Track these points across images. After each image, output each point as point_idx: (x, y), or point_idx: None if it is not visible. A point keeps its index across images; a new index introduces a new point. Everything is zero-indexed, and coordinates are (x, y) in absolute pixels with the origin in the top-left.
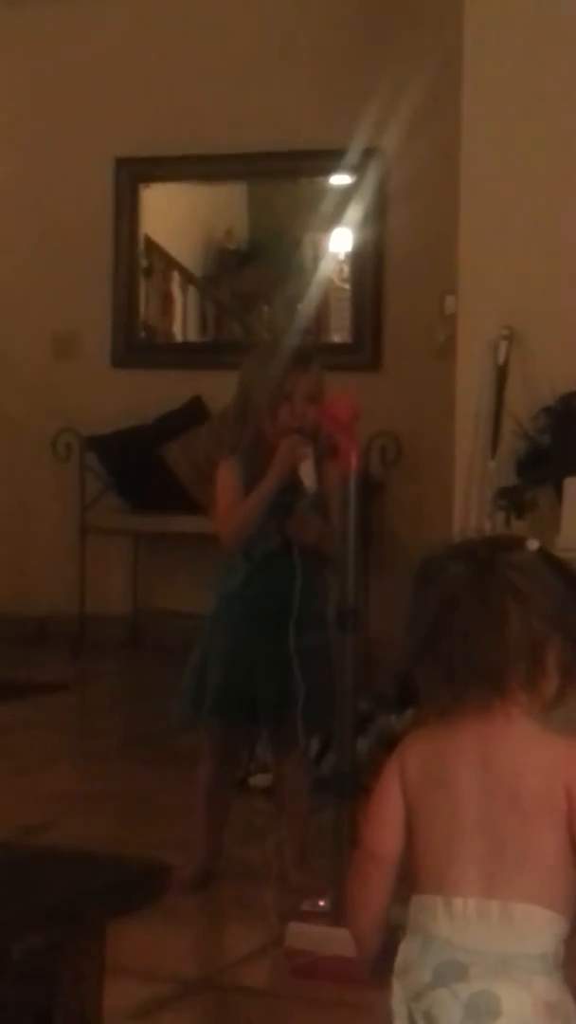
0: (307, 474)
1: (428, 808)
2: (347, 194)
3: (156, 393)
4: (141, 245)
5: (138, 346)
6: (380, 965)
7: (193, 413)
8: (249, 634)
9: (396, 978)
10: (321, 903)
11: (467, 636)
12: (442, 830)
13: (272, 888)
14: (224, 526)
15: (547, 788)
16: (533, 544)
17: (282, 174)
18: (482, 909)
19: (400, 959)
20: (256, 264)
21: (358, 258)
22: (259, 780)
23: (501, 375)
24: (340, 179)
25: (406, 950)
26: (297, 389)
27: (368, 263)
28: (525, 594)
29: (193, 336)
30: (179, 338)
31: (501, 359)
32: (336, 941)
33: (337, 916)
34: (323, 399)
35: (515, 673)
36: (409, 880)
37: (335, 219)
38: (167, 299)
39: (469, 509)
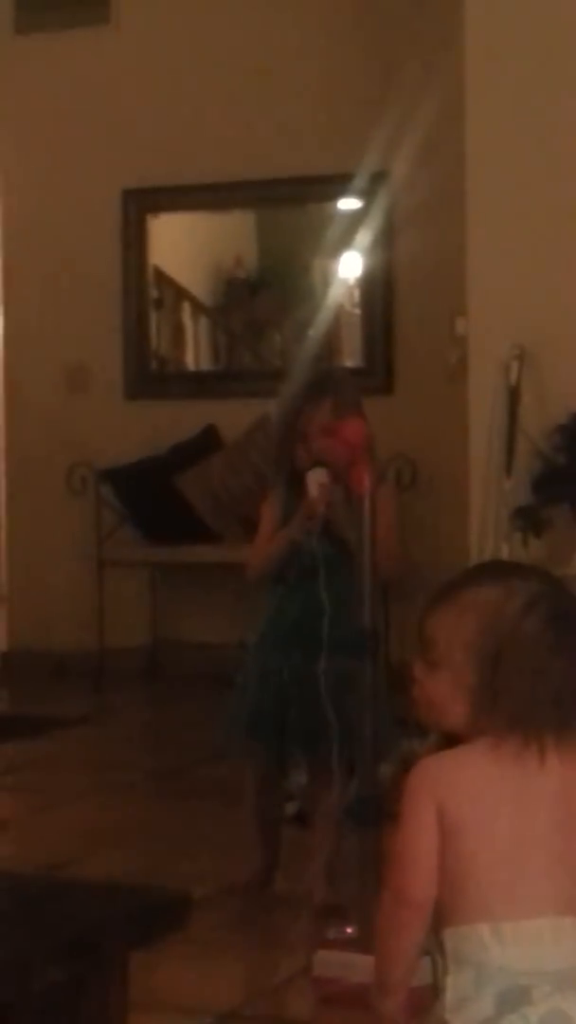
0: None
1: (476, 838)
2: (356, 219)
3: (169, 423)
4: (151, 276)
5: (150, 377)
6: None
7: (207, 442)
8: (284, 658)
9: (451, 1014)
10: (348, 930)
11: (570, 676)
12: (492, 858)
13: (306, 916)
14: (251, 559)
15: None
16: None
17: (290, 200)
18: (533, 929)
19: (451, 995)
20: (266, 291)
21: (368, 282)
22: (287, 807)
23: (514, 395)
24: (348, 204)
25: (456, 985)
26: (311, 424)
27: (378, 287)
28: None
29: (205, 365)
30: (191, 368)
31: (513, 379)
32: (364, 969)
33: (364, 943)
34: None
35: None
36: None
37: (344, 244)
38: (178, 329)
39: (486, 530)
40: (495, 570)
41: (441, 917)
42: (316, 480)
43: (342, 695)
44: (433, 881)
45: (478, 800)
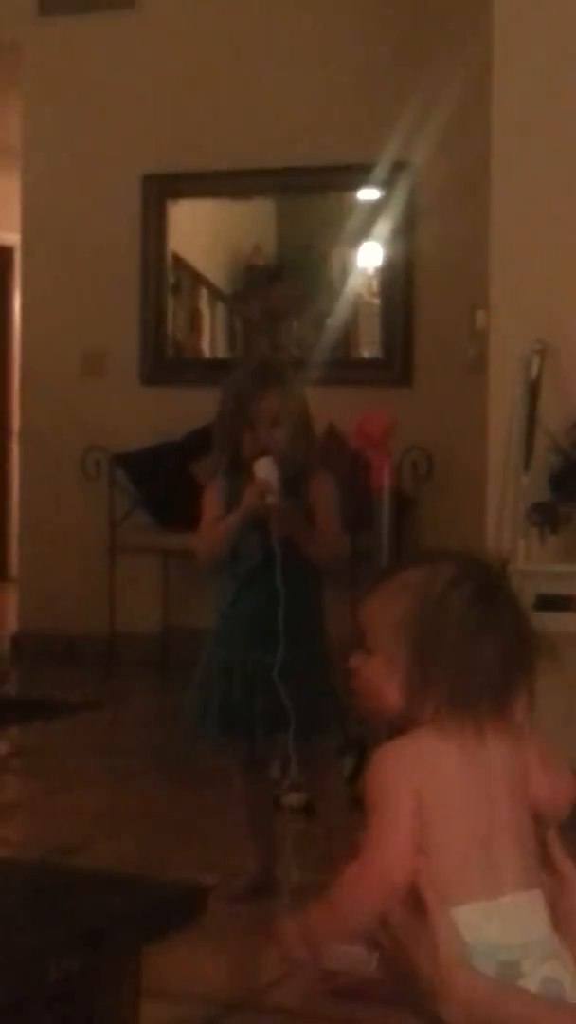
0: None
1: (454, 821)
2: (376, 209)
3: (184, 410)
4: (169, 262)
5: (166, 363)
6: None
7: None
8: (246, 650)
9: None
10: None
11: (508, 644)
12: (471, 840)
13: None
14: (198, 545)
15: (525, 780)
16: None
17: (310, 189)
18: (511, 905)
19: None
20: (284, 280)
21: (388, 273)
22: (292, 799)
23: (533, 390)
24: (369, 194)
25: None
26: (259, 413)
27: (398, 278)
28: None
29: (221, 353)
30: (207, 355)
31: (533, 374)
32: (372, 961)
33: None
34: (299, 418)
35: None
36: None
37: (364, 234)
38: (195, 316)
39: (502, 525)
40: (421, 554)
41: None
42: (263, 470)
43: (307, 682)
44: (411, 864)
45: (449, 784)
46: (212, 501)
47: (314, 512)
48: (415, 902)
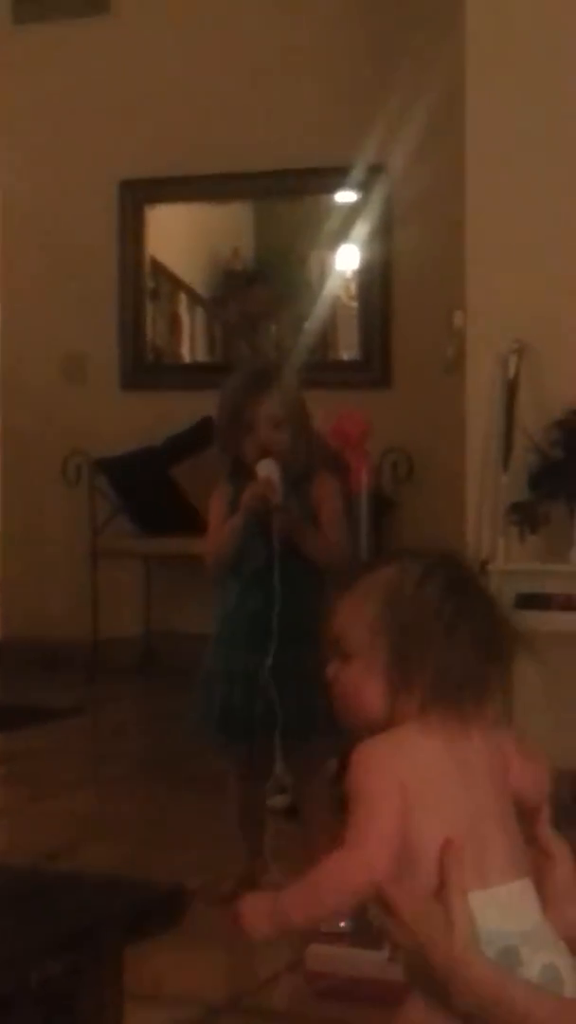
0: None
1: (441, 815)
2: (353, 211)
3: (165, 415)
4: (147, 267)
5: (146, 368)
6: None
7: (203, 434)
8: (248, 651)
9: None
10: (342, 924)
11: (484, 634)
12: (459, 834)
13: None
14: (206, 550)
15: (505, 770)
16: None
17: (287, 192)
18: (504, 895)
19: None
20: (263, 283)
21: (365, 275)
22: (277, 801)
23: (511, 389)
24: (346, 196)
25: None
26: (258, 416)
27: (375, 280)
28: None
29: (201, 357)
30: (187, 359)
31: (511, 373)
32: (358, 962)
33: (359, 937)
34: (299, 420)
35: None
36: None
37: (341, 237)
38: (174, 320)
39: (482, 524)
40: (387, 554)
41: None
42: (265, 469)
43: (306, 685)
44: (393, 859)
45: (435, 777)
46: (218, 506)
47: (318, 513)
48: (431, 887)
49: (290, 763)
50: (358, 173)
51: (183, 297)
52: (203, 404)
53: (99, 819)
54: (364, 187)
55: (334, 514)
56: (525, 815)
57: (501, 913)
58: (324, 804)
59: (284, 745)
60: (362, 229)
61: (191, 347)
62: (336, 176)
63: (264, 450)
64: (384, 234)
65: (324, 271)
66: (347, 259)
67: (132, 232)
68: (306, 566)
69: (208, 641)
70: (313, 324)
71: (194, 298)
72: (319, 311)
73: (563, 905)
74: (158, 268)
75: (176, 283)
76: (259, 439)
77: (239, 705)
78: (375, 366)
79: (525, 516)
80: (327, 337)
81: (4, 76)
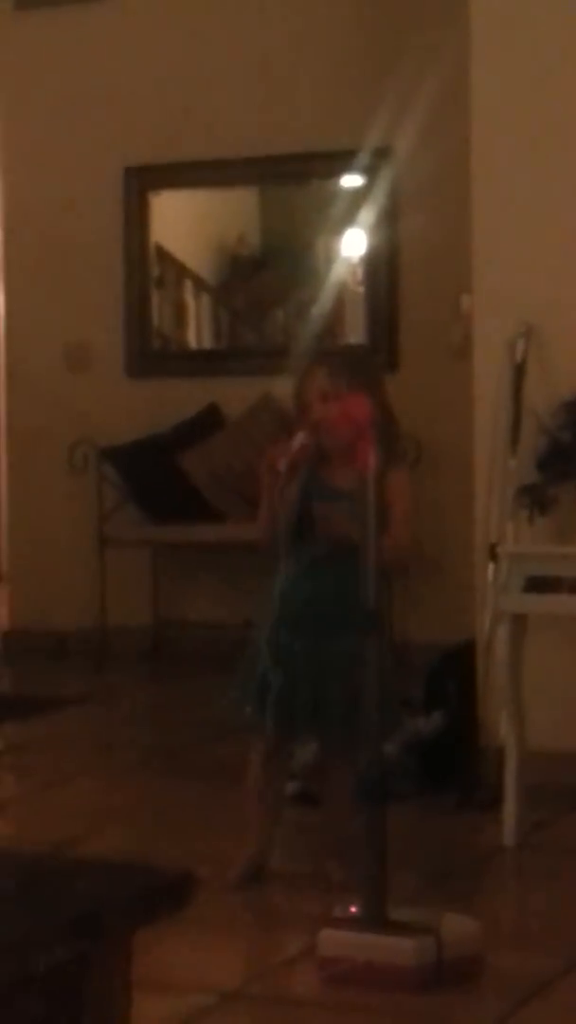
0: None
1: None
2: (359, 196)
3: (171, 402)
4: (152, 254)
5: (152, 355)
6: None
7: (209, 421)
8: (297, 637)
9: None
10: (353, 909)
11: None
12: None
13: (313, 894)
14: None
15: None
16: None
17: (293, 177)
18: None
19: None
20: (269, 269)
21: (372, 260)
22: (288, 788)
23: (519, 372)
24: (352, 181)
25: None
26: (311, 392)
27: (382, 264)
28: None
29: (207, 344)
30: (193, 346)
31: (519, 356)
32: (369, 947)
33: (370, 922)
34: (343, 394)
35: None
36: None
37: (348, 221)
38: (180, 307)
39: (491, 508)
40: None
41: None
42: (299, 441)
43: (352, 674)
44: None
45: None
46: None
47: (389, 508)
48: None
49: (325, 750)
50: (364, 157)
51: (189, 284)
52: (210, 391)
53: (107, 809)
54: (370, 171)
55: (404, 514)
56: None
57: None
58: (343, 790)
59: (321, 734)
60: (368, 213)
61: (197, 334)
62: (342, 160)
63: (312, 424)
64: (391, 218)
65: (330, 256)
66: (354, 244)
67: (137, 219)
68: (357, 560)
69: (220, 631)
70: (320, 309)
71: (200, 284)
72: (326, 296)
73: None
74: (163, 255)
75: (182, 270)
76: (309, 414)
77: (281, 688)
78: (382, 351)
79: (534, 499)
80: (334, 322)
81: (7, 63)
